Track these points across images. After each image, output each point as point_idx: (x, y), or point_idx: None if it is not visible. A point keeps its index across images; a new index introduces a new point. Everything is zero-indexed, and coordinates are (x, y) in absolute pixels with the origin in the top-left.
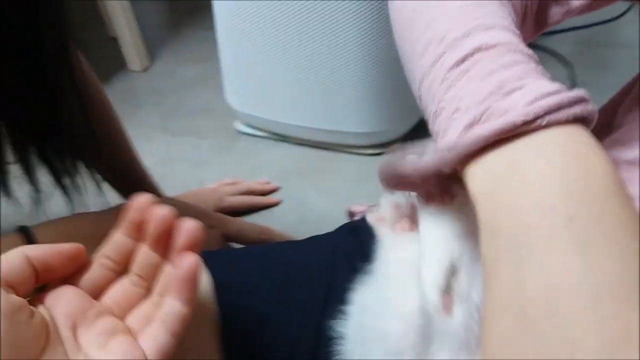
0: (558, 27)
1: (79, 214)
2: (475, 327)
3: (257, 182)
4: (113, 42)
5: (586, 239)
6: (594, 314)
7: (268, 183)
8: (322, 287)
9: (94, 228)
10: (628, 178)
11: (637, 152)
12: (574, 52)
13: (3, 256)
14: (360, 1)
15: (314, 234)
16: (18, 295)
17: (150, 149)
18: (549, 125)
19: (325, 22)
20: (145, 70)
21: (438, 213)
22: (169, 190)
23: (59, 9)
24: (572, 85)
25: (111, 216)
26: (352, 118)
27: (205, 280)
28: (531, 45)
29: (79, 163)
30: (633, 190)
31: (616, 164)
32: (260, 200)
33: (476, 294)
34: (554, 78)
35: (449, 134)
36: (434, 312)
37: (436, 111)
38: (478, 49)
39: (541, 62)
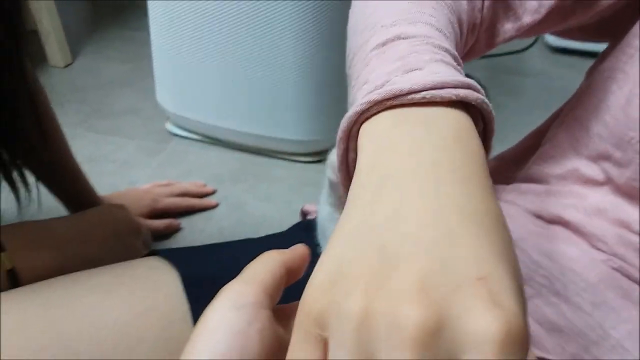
0: None
1: (45, 220)
2: None
3: (192, 183)
4: (33, 35)
5: (445, 180)
6: (433, 231)
7: (204, 185)
8: None
9: (67, 232)
10: (556, 191)
11: (565, 168)
12: (487, 77)
13: (261, 265)
14: (296, 1)
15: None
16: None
17: (74, 148)
18: (433, 100)
19: (261, 24)
20: (67, 66)
21: None
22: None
23: (16, 11)
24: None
25: (81, 222)
26: (288, 125)
27: (173, 276)
28: None
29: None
30: (565, 200)
31: (544, 178)
32: (198, 202)
33: None
34: None
35: (356, 102)
36: None
37: (354, 85)
38: (398, 37)
39: None
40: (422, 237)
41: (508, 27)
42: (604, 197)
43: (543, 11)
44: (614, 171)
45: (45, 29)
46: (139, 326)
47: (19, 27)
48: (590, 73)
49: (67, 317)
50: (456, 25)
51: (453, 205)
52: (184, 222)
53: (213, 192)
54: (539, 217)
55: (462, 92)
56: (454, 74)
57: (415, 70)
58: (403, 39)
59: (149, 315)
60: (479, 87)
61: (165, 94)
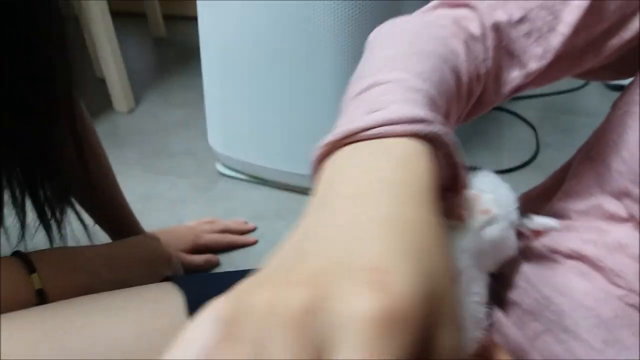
0: (525, 93)
1: (77, 246)
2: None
3: (234, 221)
4: (101, 84)
5: (381, 193)
6: (350, 233)
7: (245, 223)
8: None
9: (97, 258)
10: (577, 226)
11: (584, 205)
12: (539, 117)
13: None
14: (337, 54)
15: None
16: None
17: (131, 187)
18: (387, 135)
19: (308, 69)
20: (130, 111)
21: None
22: (147, 227)
23: (66, 56)
24: (537, 146)
25: (113, 249)
26: None
27: (179, 300)
28: (499, 109)
29: (68, 203)
30: (585, 235)
31: (566, 213)
32: (237, 239)
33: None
34: (519, 139)
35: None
36: None
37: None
38: (375, 83)
39: (508, 124)
40: (337, 238)
41: (515, 75)
42: (626, 233)
43: (549, 56)
44: (634, 208)
45: (111, 76)
46: (143, 346)
47: (69, 74)
48: (613, 107)
49: (75, 334)
50: (449, 74)
51: (380, 214)
52: (224, 257)
53: (253, 229)
54: (555, 252)
55: (416, 128)
56: (413, 111)
57: (378, 110)
58: (379, 84)
59: (153, 336)
60: (427, 117)
61: (216, 136)
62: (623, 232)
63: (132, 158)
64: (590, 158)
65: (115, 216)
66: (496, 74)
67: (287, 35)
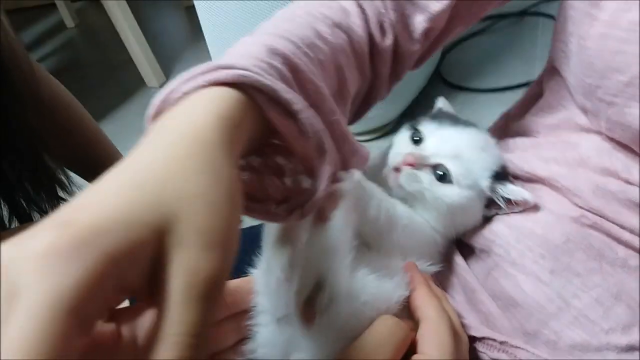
0: None
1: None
2: (332, 335)
3: None
4: (130, 63)
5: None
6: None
7: None
8: None
9: None
10: (542, 143)
11: (554, 118)
12: None
13: None
14: None
15: None
16: None
17: None
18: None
19: None
20: (162, 85)
21: (315, 229)
22: None
23: None
24: None
25: None
26: None
27: None
28: (535, 13)
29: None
30: (549, 152)
31: (536, 128)
32: None
33: (336, 307)
34: None
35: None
36: (297, 323)
37: None
38: (240, 43)
39: (543, 28)
40: (103, 186)
41: (420, 20)
42: (595, 144)
43: None
44: (596, 123)
45: (137, 56)
46: None
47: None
48: (559, 11)
49: None
50: (329, 30)
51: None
52: None
53: None
54: (516, 177)
55: (211, 77)
56: (229, 61)
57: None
58: (240, 45)
59: None
60: (223, 64)
61: None
62: (591, 143)
63: None
64: (556, 70)
65: (97, 154)
66: (404, 23)
67: None
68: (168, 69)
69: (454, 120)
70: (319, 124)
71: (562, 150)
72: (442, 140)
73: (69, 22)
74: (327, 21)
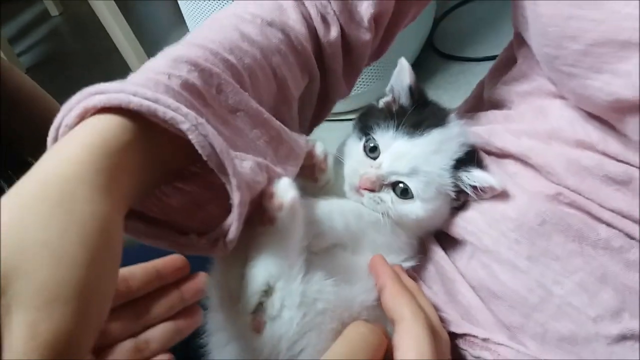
0: None
1: None
2: (283, 344)
3: None
4: (116, 53)
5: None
6: None
7: None
8: None
9: None
10: (514, 115)
11: (527, 85)
12: None
13: None
14: None
15: None
16: None
17: None
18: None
19: None
20: None
21: (262, 234)
22: None
23: None
24: None
25: None
26: None
27: None
28: None
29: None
30: (520, 125)
31: (509, 97)
32: None
33: (288, 313)
34: None
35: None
36: (246, 331)
37: None
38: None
39: None
40: None
41: (366, 5)
42: (565, 112)
43: None
44: (562, 92)
45: (122, 45)
46: None
47: None
48: None
49: None
50: (257, 30)
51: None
52: None
53: None
54: (488, 153)
55: (89, 103)
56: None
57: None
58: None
59: None
60: (106, 89)
61: None
62: (562, 112)
63: None
64: (521, 36)
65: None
66: (349, 12)
67: None
68: (154, 55)
69: (408, 117)
70: (219, 143)
71: (531, 120)
72: (397, 156)
73: (53, 11)
74: (256, 20)
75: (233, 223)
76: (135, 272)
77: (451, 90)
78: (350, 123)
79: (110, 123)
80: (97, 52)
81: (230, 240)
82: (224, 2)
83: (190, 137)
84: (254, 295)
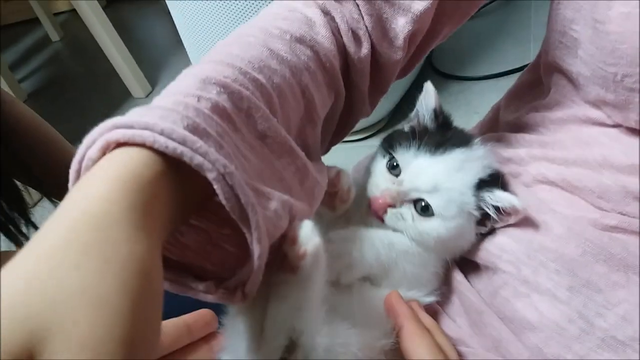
0: None
1: None
2: None
3: None
4: (114, 75)
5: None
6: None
7: None
8: None
9: None
10: (551, 142)
11: (561, 113)
12: None
13: None
14: None
15: None
16: None
17: None
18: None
19: None
20: (148, 95)
21: (283, 283)
22: None
23: None
24: None
25: None
26: None
27: None
28: None
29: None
30: (559, 153)
31: (542, 122)
32: None
33: None
34: None
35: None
36: None
37: None
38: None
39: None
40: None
41: (402, 23)
42: (615, 140)
43: None
44: (617, 116)
45: (120, 67)
46: None
47: None
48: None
49: None
50: (286, 47)
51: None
52: None
53: None
54: (516, 177)
55: (111, 137)
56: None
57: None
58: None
59: None
60: (122, 122)
61: None
62: (610, 140)
63: None
64: (555, 64)
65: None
66: (382, 29)
67: None
68: (154, 78)
69: (430, 137)
70: (245, 194)
71: (574, 147)
72: (418, 173)
73: (54, 36)
74: (286, 37)
75: (252, 275)
76: (167, 328)
77: (451, 109)
78: (352, 145)
79: (137, 155)
80: (97, 75)
81: (249, 292)
82: (223, 28)
83: (215, 187)
84: (276, 351)
